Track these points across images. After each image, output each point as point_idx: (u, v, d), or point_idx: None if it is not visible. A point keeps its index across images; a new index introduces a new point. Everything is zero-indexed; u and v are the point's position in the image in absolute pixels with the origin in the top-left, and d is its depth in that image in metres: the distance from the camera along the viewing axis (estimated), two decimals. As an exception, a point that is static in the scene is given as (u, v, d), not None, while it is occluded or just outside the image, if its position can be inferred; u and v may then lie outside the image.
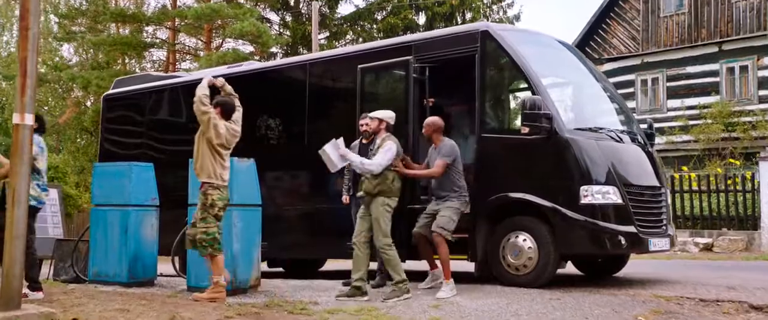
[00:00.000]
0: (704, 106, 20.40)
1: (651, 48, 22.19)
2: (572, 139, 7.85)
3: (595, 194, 7.78)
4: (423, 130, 8.17)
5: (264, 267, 10.70)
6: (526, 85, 8.36)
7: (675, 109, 21.07)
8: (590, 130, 8.24)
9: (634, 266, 9.29)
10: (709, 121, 19.78)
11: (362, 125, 8.54)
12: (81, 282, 9.11)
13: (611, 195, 7.85)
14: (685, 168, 17.53)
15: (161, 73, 13.24)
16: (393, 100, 9.27)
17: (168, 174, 10.75)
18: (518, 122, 8.29)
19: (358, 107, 9.16)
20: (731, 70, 20.70)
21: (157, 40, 30.01)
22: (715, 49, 20.99)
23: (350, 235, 8.35)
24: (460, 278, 8.34)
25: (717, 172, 16.17)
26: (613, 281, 8.92)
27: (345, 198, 8.81)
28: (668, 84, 21.56)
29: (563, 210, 7.76)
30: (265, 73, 11.00)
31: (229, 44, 28.91)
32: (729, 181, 15.18)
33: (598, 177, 7.86)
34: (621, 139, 8.48)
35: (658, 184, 8.63)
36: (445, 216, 7.78)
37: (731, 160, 18.04)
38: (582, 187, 7.74)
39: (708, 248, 14.64)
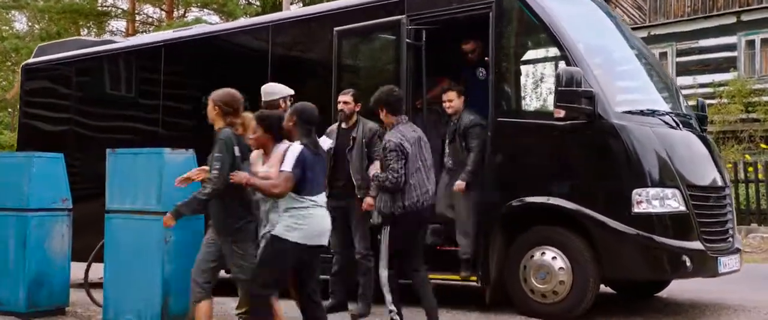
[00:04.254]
0: (720, 84, 18.66)
1: (659, 19, 20.36)
2: (621, 126, 6.10)
3: (652, 200, 6.06)
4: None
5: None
6: (559, 54, 6.49)
7: (686, 87, 19.19)
8: (641, 113, 6.43)
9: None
10: (726, 101, 18.08)
11: (340, 103, 6.84)
12: (-31, 310, 7.01)
13: (672, 201, 6.15)
14: None
15: (94, 39, 11.28)
16: (379, 72, 7.60)
17: (101, 159, 8.90)
18: (548, 103, 6.68)
19: (335, 81, 7.40)
20: (751, 44, 18.86)
21: (115, 9, 27.93)
22: (733, 19, 19.11)
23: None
24: (468, 303, 6.97)
25: (745, 159, 14.37)
26: (663, 307, 7.17)
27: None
28: (678, 59, 19.81)
29: (608, 220, 6.05)
30: (218, 38, 9.12)
31: (193, 14, 27.01)
32: (755, 167, 13.40)
33: (656, 176, 6.15)
34: (678, 125, 6.68)
35: (722, 184, 6.85)
36: None
37: (763, 146, 16.28)
38: (635, 191, 6.02)
39: (736, 247, 12.84)
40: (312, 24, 8.10)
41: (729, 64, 18.95)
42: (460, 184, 6.63)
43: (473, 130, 6.70)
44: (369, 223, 6.70)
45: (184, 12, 28.09)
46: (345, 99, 6.78)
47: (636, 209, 5.97)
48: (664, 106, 6.90)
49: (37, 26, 30.70)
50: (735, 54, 19.01)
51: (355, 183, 6.65)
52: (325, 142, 6.47)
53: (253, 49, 8.66)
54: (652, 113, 6.48)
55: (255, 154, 5.37)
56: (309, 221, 4.92)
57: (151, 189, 5.99)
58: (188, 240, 6.05)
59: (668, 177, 6.14)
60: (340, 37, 7.46)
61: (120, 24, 29.81)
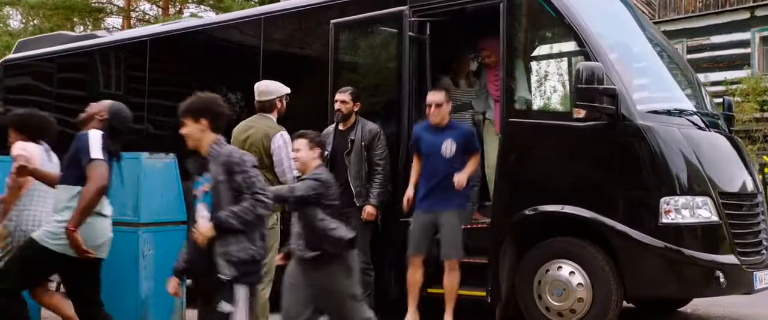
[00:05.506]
0: (733, 82, 18.17)
1: (669, 14, 19.96)
2: (647, 127, 5.56)
3: (682, 209, 5.51)
4: None
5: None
6: (577, 48, 5.96)
7: (698, 85, 18.90)
8: (668, 113, 5.91)
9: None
10: (739, 99, 17.56)
11: (336, 102, 6.36)
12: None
13: (702, 210, 5.60)
14: None
15: (77, 34, 10.83)
16: (380, 69, 7.09)
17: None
18: (565, 101, 6.42)
19: (331, 78, 6.85)
20: (765, 40, 18.49)
21: (110, 6, 27.42)
22: (747, 15, 18.69)
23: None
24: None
25: (762, 160, 13.84)
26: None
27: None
28: (689, 56, 19.22)
29: (633, 231, 5.50)
30: (206, 32, 8.60)
31: (190, 11, 26.60)
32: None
33: (685, 183, 5.61)
34: (706, 126, 6.16)
35: (754, 189, 6.30)
36: None
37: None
38: (662, 199, 5.47)
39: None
40: (307, 16, 7.58)
41: (742, 61, 18.52)
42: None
43: None
44: (369, 234, 6.25)
45: (180, 8, 27.64)
46: (342, 98, 6.28)
47: (664, 219, 5.42)
48: (690, 105, 6.39)
49: (32, 23, 30.25)
50: (748, 51, 18.57)
51: (353, 190, 6.16)
52: None
53: (243, 44, 8.16)
54: (679, 113, 5.97)
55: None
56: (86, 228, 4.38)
57: (127, 197, 5.49)
58: (170, 255, 5.52)
59: (698, 183, 5.61)
60: (337, 30, 6.93)
61: (116, 21, 29.34)
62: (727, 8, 18.88)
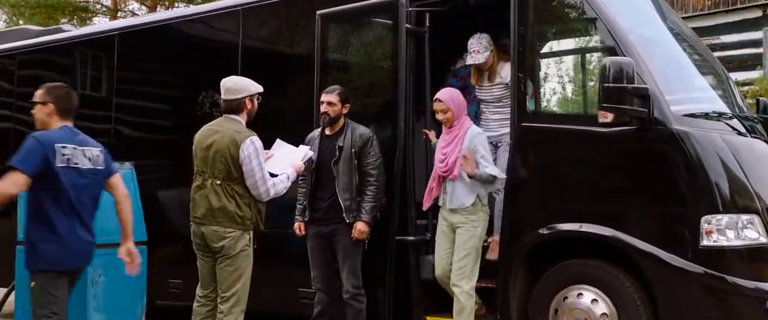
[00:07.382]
0: (744, 83, 17.55)
1: (677, 13, 19.34)
2: (685, 133, 4.86)
3: (726, 229, 4.81)
4: None
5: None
6: (602, 42, 5.25)
7: (706, 87, 18.40)
8: (706, 116, 5.20)
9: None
10: (752, 101, 17.01)
11: (323, 104, 5.70)
12: None
13: (749, 230, 4.90)
14: None
15: (42, 28, 10.18)
16: (373, 66, 6.53)
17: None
18: (588, 103, 5.64)
19: (317, 76, 6.26)
20: (778, 39, 18.01)
21: (96, 5, 26.95)
22: (759, 13, 17.99)
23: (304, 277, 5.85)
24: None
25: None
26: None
27: (298, 226, 5.80)
28: (698, 56, 18.94)
29: (666, 254, 4.83)
30: (180, 26, 7.98)
31: (179, 9, 26.04)
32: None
33: (729, 198, 4.90)
34: (748, 131, 5.45)
35: None
36: None
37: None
38: (704, 218, 4.78)
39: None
40: (290, 7, 6.98)
41: (754, 62, 18.02)
42: None
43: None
44: (361, 254, 5.58)
45: (169, 6, 27.17)
46: (329, 99, 5.59)
47: (705, 241, 4.71)
48: (727, 108, 5.68)
49: (19, 23, 29.86)
50: (760, 50, 18.03)
51: (342, 204, 5.47)
52: (301, 151, 5.28)
53: (221, 38, 7.53)
54: (718, 116, 5.26)
55: None
56: None
57: (73, 215, 4.70)
58: (127, 282, 4.79)
59: (744, 199, 4.90)
60: (325, 22, 6.31)
61: (103, 21, 28.88)
62: (738, 6, 18.38)
